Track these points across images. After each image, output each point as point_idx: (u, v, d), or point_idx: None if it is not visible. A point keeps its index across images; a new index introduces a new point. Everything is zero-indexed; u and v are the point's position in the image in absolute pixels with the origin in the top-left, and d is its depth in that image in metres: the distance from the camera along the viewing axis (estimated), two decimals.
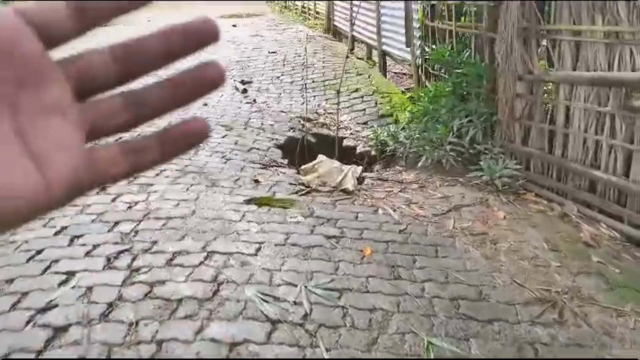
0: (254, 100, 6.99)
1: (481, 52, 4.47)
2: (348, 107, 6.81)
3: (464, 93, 4.77)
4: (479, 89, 4.57)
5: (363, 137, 6.09)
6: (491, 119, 4.51)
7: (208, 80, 0.32)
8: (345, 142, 6.05)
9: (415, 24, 6.30)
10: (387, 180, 4.77)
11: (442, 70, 5.49)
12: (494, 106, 4.51)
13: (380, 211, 3.96)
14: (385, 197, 4.25)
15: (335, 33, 11.35)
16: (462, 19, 5.12)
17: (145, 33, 0.30)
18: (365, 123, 6.38)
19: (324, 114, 6.65)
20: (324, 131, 6.23)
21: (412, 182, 4.72)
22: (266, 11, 17.65)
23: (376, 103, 6.70)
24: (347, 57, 7.14)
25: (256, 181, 4.37)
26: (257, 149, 5.32)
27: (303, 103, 7.00)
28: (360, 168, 4.54)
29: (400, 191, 4.45)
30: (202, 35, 0.31)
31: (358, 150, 5.86)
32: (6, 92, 0.25)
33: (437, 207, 4.07)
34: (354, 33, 9.39)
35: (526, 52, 4.13)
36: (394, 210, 3.98)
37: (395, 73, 8.66)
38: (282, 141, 5.70)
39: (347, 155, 5.94)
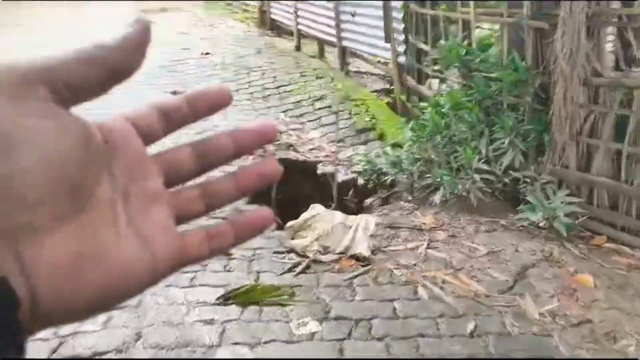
0: None
1: (520, 49, 3.29)
2: (315, 121, 5.46)
3: (491, 104, 3.57)
4: (519, 99, 3.38)
5: (343, 160, 4.77)
6: (539, 137, 3.34)
7: (268, 176, 0.35)
8: (321, 169, 4.72)
9: (397, 13, 5.04)
10: (399, 226, 3.49)
11: (443, 72, 4.27)
12: (541, 121, 3.34)
13: (421, 291, 2.68)
14: (416, 263, 2.97)
15: (272, 27, 9.92)
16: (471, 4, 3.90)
17: (217, 131, 0.34)
18: (341, 141, 5.06)
19: (286, 130, 5.27)
20: (291, 154, 4.85)
21: (436, 228, 3.47)
22: (182, 5, 15.81)
23: (350, 114, 5.40)
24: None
25: (226, 254, 2.94)
26: None
27: (256, 118, 5.57)
28: (372, 220, 3.22)
29: (428, 247, 3.18)
30: (264, 136, 0.35)
31: (339, 179, 4.55)
32: (122, 182, 0.29)
33: (495, 276, 2.84)
34: (301, 27, 8.02)
35: (592, 47, 2.98)
36: (441, 288, 2.71)
37: (356, 72, 7.38)
38: None
39: (324, 187, 4.61)
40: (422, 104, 4.16)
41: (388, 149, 4.38)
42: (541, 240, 3.21)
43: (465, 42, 3.81)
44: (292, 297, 2.53)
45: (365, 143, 4.94)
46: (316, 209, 3.16)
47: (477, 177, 3.57)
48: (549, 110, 3.29)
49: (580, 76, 2.99)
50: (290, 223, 3.15)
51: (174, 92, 6.06)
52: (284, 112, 5.67)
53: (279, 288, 2.58)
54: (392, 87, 6.58)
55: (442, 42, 3.92)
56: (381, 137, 4.91)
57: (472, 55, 3.63)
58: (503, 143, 3.45)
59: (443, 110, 3.89)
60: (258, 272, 2.77)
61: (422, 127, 4.00)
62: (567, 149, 3.29)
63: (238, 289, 2.54)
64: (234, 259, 2.91)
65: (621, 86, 2.94)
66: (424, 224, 3.54)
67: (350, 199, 4.49)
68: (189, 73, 6.99)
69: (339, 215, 3.11)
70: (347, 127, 5.19)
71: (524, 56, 3.33)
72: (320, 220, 3.07)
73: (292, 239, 3.06)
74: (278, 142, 4.94)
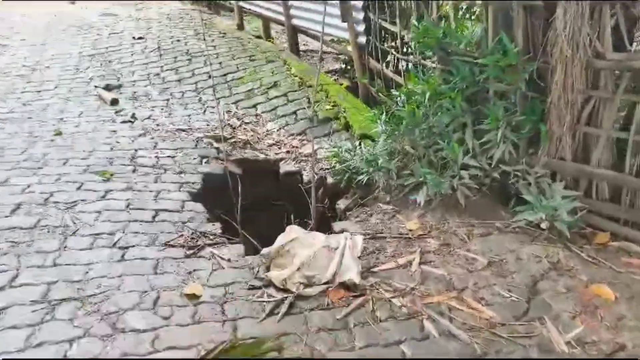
0: (133, 117, 4.84)
1: (508, 30, 2.91)
2: (271, 111, 4.94)
3: (475, 92, 3.19)
4: (508, 86, 3.01)
5: (306, 156, 4.32)
6: (534, 128, 3.00)
7: None
8: (284, 167, 4.25)
9: None
10: (384, 236, 3.10)
11: (414, 54, 3.85)
12: (536, 110, 3.00)
13: (428, 325, 2.31)
14: (414, 287, 2.59)
15: (210, 4, 9.17)
16: None
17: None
18: (302, 133, 4.59)
19: (240, 125, 4.74)
20: (249, 152, 4.35)
21: (424, 235, 3.10)
22: None
23: (309, 101, 4.91)
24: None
25: (191, 296, 2.46)
26: (165, 210, 3.33)
27: (204, 111, 5.00)
28: (360, 239, 2.80)
29: (421, 262, 2.81)
30: None
31: (305, 178, 4.10)
32: None
33: (504, 295, 2.51)
34: (242, 3, 7.37)
35: (592, 26, 2.64)
36: (450, 319, 2.35)
37: (306, 51, 6.85)
38: (198, 185, 3.74)
39: (290, 188, 4.16)
40: (394, 92, 3.74)
41: (358, 144, 3.95)
42: (542, 242, 2.91)
43: (443, 22, 3.40)
44: (280, 351, 2.10)
45: (329, 135, 4.50)
46: (293, 231, 2.71)
47: (464, 173, 3.22)
48: (544, 97, 2.95)
49: (583, 59, 2.64)
50: (264, 250, 2.68)
51: (107, 87, 5.40)
52: (235, 103, 5.12)
53: (263, 342, 2.14)
54: (347, 68, 6.12)
55: (414, 21, 3.49)
56: (346, 127, 4.47)
57: (451, 37, 3.22)
58: (492, 135, 3.09)
59: (420, 99, 3.49)
60: (234, 320, 2.31)
61: (397, 119, 3.60)
62: (562, 139, 2.97)
63: (214, 349, 2.08)
64: (203, 302, 2.43)
65: (627, 69, 2.62)
66: (410, 230, 3.17)
67: (320, 200, 4.06)
68: (123, 62, 6.26)
69: (320, 237, 2.68)
70: (307, 118, 4.72)
71: (513, 38, 2.95)
72: (300, 245, 2.63)
73: (268, 269, 2.61)
74: (232, 140, 4.42)
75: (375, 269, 2.76)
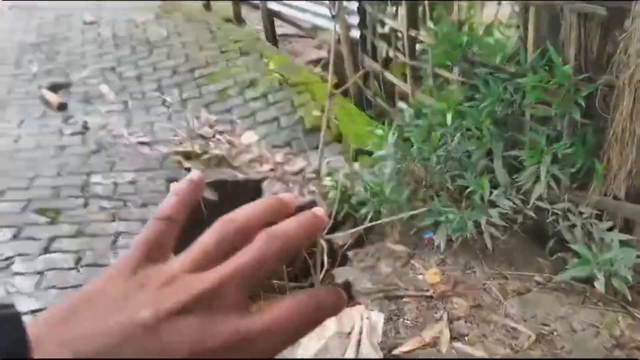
0: (85, 127, 4.09)
1: (555, 40, 2.31)
2: (249, 117, 4.26)
3: (508, 114, 2.60)
4: (548, 109, 2.42)
5: (293, 174, 3.69)
6: (586, 163, 2.43)
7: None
8: (268, 190, 3.61)
9: None
10: (400, 295, 2.53)
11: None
12: (588, 142, 2.43)
13: None
14: None
15: None
16: None
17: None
18: (287, 145, 3.94)
19: (214, 135, 4.05)
20: (226, 172, 3.69)
21: (448, 292, 2.54)
22: None
23: (292, 105, 4.24)
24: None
25: None
26: None
27: (170, 117, 4.28)
28: (379, 319, 2.22)
29: (453, 338, 2.25)
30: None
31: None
32: None
33: None
34: None
35: None
36: None
37: (282, 36, 6.10)
38: None
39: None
40: (402, 106, 3.12)
41: (357, 167, 3.34)
42: (595, 305, 2.39)
43: (465, 26, 2.77)
44: None
45: (318, 147, 3.86)
46: None
47: (492, 211, 2.65)
48: (598, 126, 2.38)
49: None
50: None
51: (53, 87, 4.59)
52: (205, 106, 4.41)
53: None
54: (327, 59, 5.44)
55: (430, 25, 2.85)
56: (339, 138, 3.84)
57: (480, 47, 2.60)
58: (532, 169, 2.51)
59: (432, 117, 2.89)
60: None
61: (405, 141, 2.99)
62: (618, 175, 2.42)
63: None
64: None
65: None
66: (432, 285, 2.61)
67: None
68: (72, 54, 5.41)
69: (330, 320, 2.08)
70: (291, 126, 4.06)
71: (560, 50, 2.35)
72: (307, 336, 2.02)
73: None
74: (205, 155, 3.74)
75: (397, 352, 2.19)
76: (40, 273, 2.54)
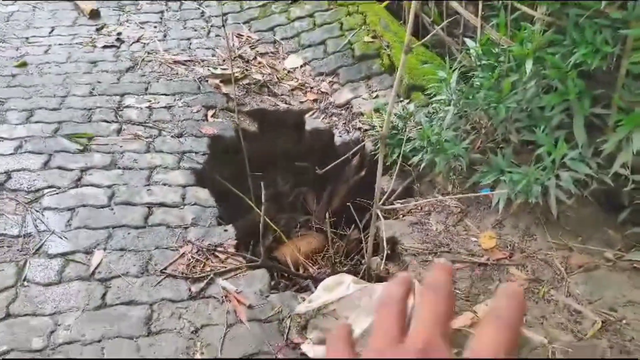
0: (119, 39, 3.81)
1: None
2: (292, 38, 3.90)
3: (600, 67, 2.22)
4: None
5: (338, 107, 3.40)
6: None
7: None
8: (310, 123, 3.35)
9: None
10: (452, 259, 2.33)
11: None
12: None
13: None
14: None
15: None
16: None
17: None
18: (334, 74, 3.61)
19: (255, 57, 3.74)
20: (267, 99, 3.42)
21: (504, 260, 2.33)
22: None
23: (341, 28, 3.85)
24: None
25: None
26: (161, 204, 2.51)
27: (209, 33, 3.96)
28: None
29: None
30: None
31: (338, 139, 3.24)
32: None
33: None
34: None
35: None
36: None
37: None
38: (203, 156, 2.89)
39: (318, 146, 3.32)
40: (469, 42, 2.74)
41: (412, 107, 3.03)
42: None
43: None
44: None
45: (368, 78, 3.53)
46: (344, 282, 1.93)
47: (564, 174, 2.36)
48: None
49: None
50: (300, 308, 1.93)
51: None
52: (246, 23, 4.05)
53: None
54: None
55: None
56: (391, 69, 3.49)
57: None
58: (620, 131, 2.18)
59: (506, 61, 2.52)
60: None
61: (471, 84, 2.65)
62: None
63: None
64: None
65: None
66: (486, 251, 2.40)
67: (352, 170, 3.24)
68: None
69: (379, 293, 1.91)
70: (339, 51, 3.70)
71: None
72: (352, 306, 1.86)
73: (306, 340, 1.87)
74: (245, 81, 3.46)
75: None
76: (72, 209, 2.41)
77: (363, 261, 2.46)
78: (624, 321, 2.04)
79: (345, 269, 2.77)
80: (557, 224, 2.46)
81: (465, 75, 2.80)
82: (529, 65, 2.30)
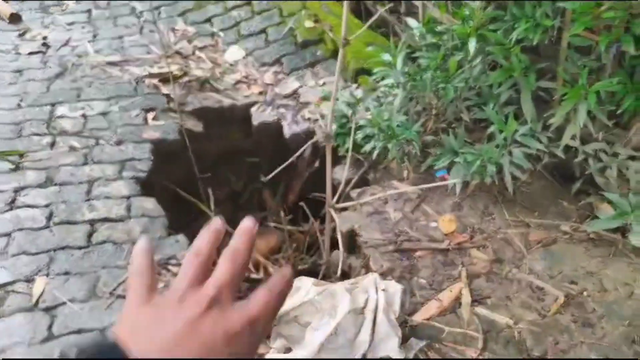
0: (44, 43, 3.56)
1: None
2: (231, 28, 3.75)
3: (542, 41, 2.19)
4: (592, 35, 2.03)
5: (285, 97, 3.30)
6: (635, 102, 2.10)
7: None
8: (258, 117, 3.24)
9: None
10: (412, 247, 2.30)
11: None
12: (635, 76, 2.08)
13: None
14: (477, 357, 1.86)
15: None
16: None
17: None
18: (277, 63, 3.50)
19: (192, 52, 3.57)
20: (210, 96, 3.28)
21: (465, 243, 2.31)
22: None
23: (281, 14, 3.73)
24: None
25: None
26: (104, 219, 2.36)
27: (141, 29, 3.76)
28: (397, 290, 1.96)
29: (475, 300, 2.05)
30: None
31: (287, 130, 3.15)
32: None
33: None
34: None
35: None
36: None
37: None
38: (147, 163, 2.74)
39: (267, 139, 3.22)
40: (411, 22, 2.67)
41: (360, 93, 2.95)
42: (626, 257, 2.18)
43: None
44: None
45: (313, 65, 3.44)
46: (303, 286, 1.85)
47: (516, 150, 2.35)
48: None
49: None
50: None
51: None
52: (181, 15, 3.86)
53: None
54: None
55: None
56: (335, 54, 3.40)
57: None
58: (565, 104, 2.17)
59: (451, 42, 2.48)
60: None
61: (417, 66, 2.59)
62: None
63: None
64: None
65: None
66: (446, 235, 2.37)
67: (305, 163, 3.16)
68: None
69: (342, 296, 1.83)
70: (281, 39, 3.58)
71: None
72: (312, 311, 1.79)
73: (270, 349, 1.79)
74: (185, 79, 3.31)
75: (414, 318, 1.99)
76: (7, 235, 2.23)
77: (321, 261, 2.40)
78: (584, 293, 2.06)
79: (306, 266, 2.71)
80: (514, 201, 2.45)
81: (410, 56, 2.74)
82: (472, 44, 2.25)
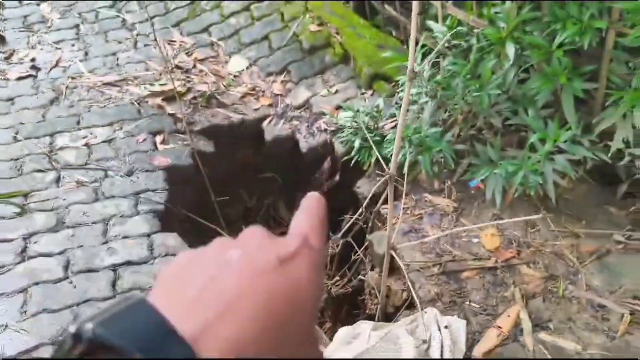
0: (34, 66, 3.33)
1: None
2: (231, 36, 3.55)
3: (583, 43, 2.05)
4: None
5: (297, 108, 3.13)
6: None
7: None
8: (270, 131, 3.06)
9: None
10: (459, 269, 2.16)
11: None
12: None
13: None
14: None
15: None
16: None
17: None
18: (284, 71, 3.32)
19: (193, 65, 3.37)
20: (217, 112, 3.10)
21: (513, 260, 2.18)
22: None
23: (283, 18, 3.53)
24: None
25: None
26: (127, 263, 2.18)
27: (136, 43, 3.54)
28: (461, 326, 1.83)
29: (535, 324, 1.92)
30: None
31: (303, 144, 2.98)
32: None
33: None
34: None
35: None
36: None
37: None
38: (163, 193, 2.56)
39: (280, 154, 3.07)
40: (433, 25, 2.51)
41: (379, 101, 2.79)
42: None
43: None
44: None
45: (322, 71, 3.26)
46: (363, 333, 1.71)
47: (559, 157, 2.22)
48: None
49: None
50: None
51: None
52: (176, 26, 3.65)
53: None
54: None
55: None
56: (345, 59, 3.23)
57: None
58: (620, 110, 2.04)
59: (478, 44, 2.32)
60: None
61: (448, 74, 2.44)
62: None
63: None
64: None
65: None
66: (491, 252, 2.24)
67: (324, 175, 3.00)
68: None
69: (406, 340, 1.69)
70: (286, 46, 3.39)
71: None
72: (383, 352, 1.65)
73: None
74: (189, 94, 3.12)
75: (476, 351, 1.87)
76: (24, 291, 2.05)
77: (373, 303, 2.25)
78: None
79: (347, 290, 2.58)
80: (557, 209, 2.32)
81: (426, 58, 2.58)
82: (510, 50, 2.11)
